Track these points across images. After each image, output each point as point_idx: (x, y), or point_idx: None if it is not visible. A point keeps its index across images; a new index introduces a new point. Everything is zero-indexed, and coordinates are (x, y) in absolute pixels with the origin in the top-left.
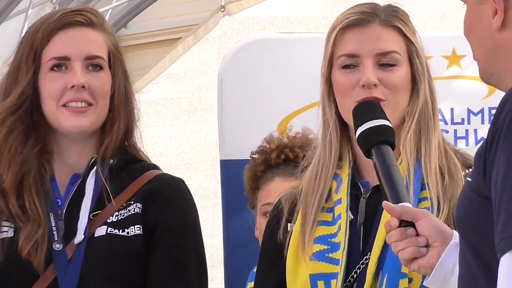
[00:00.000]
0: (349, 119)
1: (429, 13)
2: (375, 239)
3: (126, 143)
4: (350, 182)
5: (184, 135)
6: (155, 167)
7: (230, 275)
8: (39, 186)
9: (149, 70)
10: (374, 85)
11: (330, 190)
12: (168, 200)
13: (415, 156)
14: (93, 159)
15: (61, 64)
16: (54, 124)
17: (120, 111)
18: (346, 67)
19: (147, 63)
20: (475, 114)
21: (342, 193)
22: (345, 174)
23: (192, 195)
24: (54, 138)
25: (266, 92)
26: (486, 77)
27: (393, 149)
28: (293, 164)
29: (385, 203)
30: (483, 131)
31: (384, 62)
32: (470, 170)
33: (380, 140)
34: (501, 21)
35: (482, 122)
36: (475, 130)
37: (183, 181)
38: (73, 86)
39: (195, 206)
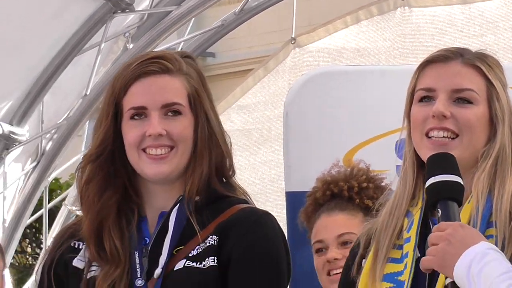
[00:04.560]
0: (420, 153)
1: (501, 44)
2: (439, 278)
3: (213, 180)
4: (421, 221)
5: (254, 166)
6: (243, 201)
7: None
8: (121, 229)
9: (220, 102)
10: (445, 116)
11: (402, 226)
12: (244, 232)
13: (486, 197)
14: (179, 198)
15: (139, 113)
16: (138, 171)
17: (203, 153)
18: (422, 100)
19: (218, 95)
20: None
21: (412, 232)
22: (417, 212)
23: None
24: (142, 183)
25: (331, 124)
26: None
27: (459, 206)
28: (339, 198)
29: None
30: None
31: (459, 98)
32: None
33: (449, 197)
34: None
35: None
36: None
37: (267, 213)
38: (150, 135)
39: (278, 237)
